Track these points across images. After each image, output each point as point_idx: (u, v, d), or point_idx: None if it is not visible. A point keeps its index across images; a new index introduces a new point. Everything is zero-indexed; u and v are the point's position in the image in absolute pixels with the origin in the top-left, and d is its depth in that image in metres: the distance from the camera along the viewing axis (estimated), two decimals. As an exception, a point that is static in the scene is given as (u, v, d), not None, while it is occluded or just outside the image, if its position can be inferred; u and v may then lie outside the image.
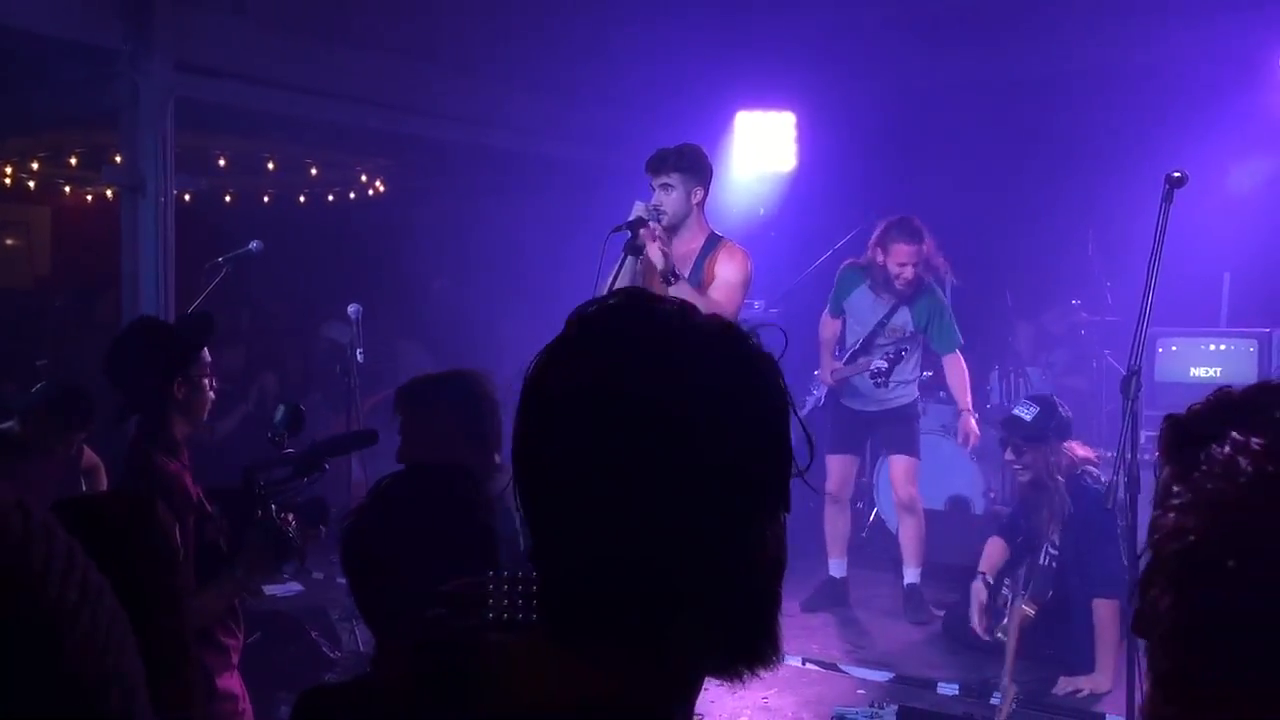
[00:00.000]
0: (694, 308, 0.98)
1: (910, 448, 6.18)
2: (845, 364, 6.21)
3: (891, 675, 5.18)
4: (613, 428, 0.90)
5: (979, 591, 5.16)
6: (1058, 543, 5.09)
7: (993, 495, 6.87)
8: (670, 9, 7.76)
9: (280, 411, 3.24)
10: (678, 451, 0.89)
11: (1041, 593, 5.07)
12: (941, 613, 5.89)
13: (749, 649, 0.96)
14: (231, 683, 3.14)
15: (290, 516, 3.05)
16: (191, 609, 2.96)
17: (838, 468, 6.31)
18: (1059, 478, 5.06)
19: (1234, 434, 0.72)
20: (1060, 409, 5.19)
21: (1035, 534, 5.19)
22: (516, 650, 0.97)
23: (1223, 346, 6.33)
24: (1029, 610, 4.91)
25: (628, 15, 7.67)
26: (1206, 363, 6.31)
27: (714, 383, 0.92)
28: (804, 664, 5.35)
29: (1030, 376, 7.33)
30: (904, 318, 6.10)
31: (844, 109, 8.38)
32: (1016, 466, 5.18)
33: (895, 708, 3.98)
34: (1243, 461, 0.71)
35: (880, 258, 6.00)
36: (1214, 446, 0.73)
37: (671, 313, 0.95)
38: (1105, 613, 4.88)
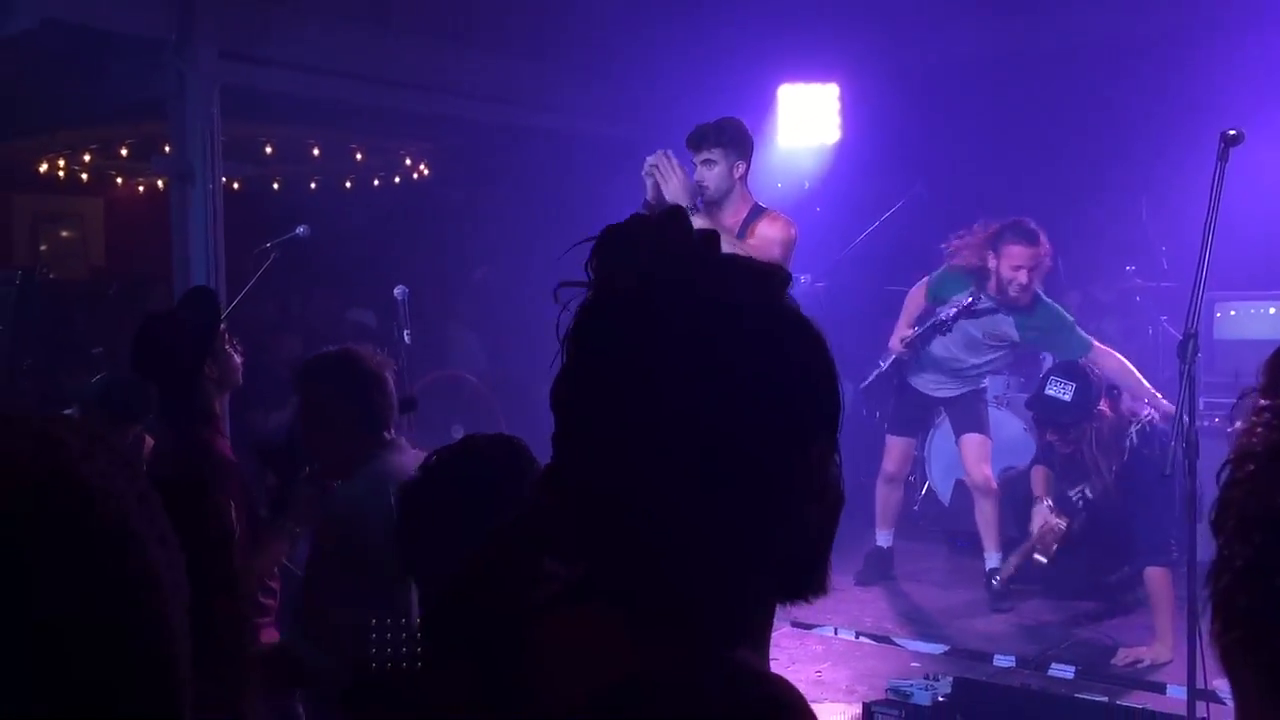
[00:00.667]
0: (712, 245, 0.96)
1: (981, 425, 6.01)
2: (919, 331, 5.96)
3: (946, 648, 5.15)
4: (644, 387, 0.89)
5: (1044, 514, 5.05)
6: (1090, 494, 5.04)
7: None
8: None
9: None
10: (711, 406, 0.88)
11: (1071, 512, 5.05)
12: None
13: (798, 587, 0.96)
14: (272, 639, 3.25)
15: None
16: (251, 567, 3.13)
17: (898, 450, 6.22)
18: (1099, 444, 4.98)
19: None
20: (1092, 376, 5.04)
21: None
22: (565, 630, 0.95)
23: (1283, 310, 6.20)
24: (1059, 522, 4.87)
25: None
26: (1267, 326, 6.18)
27: (745, 331, 0.90)
28: (857, 637, 5.33)
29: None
30: (1007, 325, 5.77)
31: (888, 79, 8.27)
32: (1058, 443, 5.06)
33: (951, 679, 3.95)
34: None
35: (992, 261, 5.66)
36: None
37: (698, 257, 0.93)
38: (1158, 580, 4.81)
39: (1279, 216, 6.67)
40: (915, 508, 7.25)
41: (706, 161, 4.80)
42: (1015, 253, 5.55)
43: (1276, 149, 6.24)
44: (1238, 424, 0.69)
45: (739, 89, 8.17)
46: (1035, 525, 5.16)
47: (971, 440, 5.98)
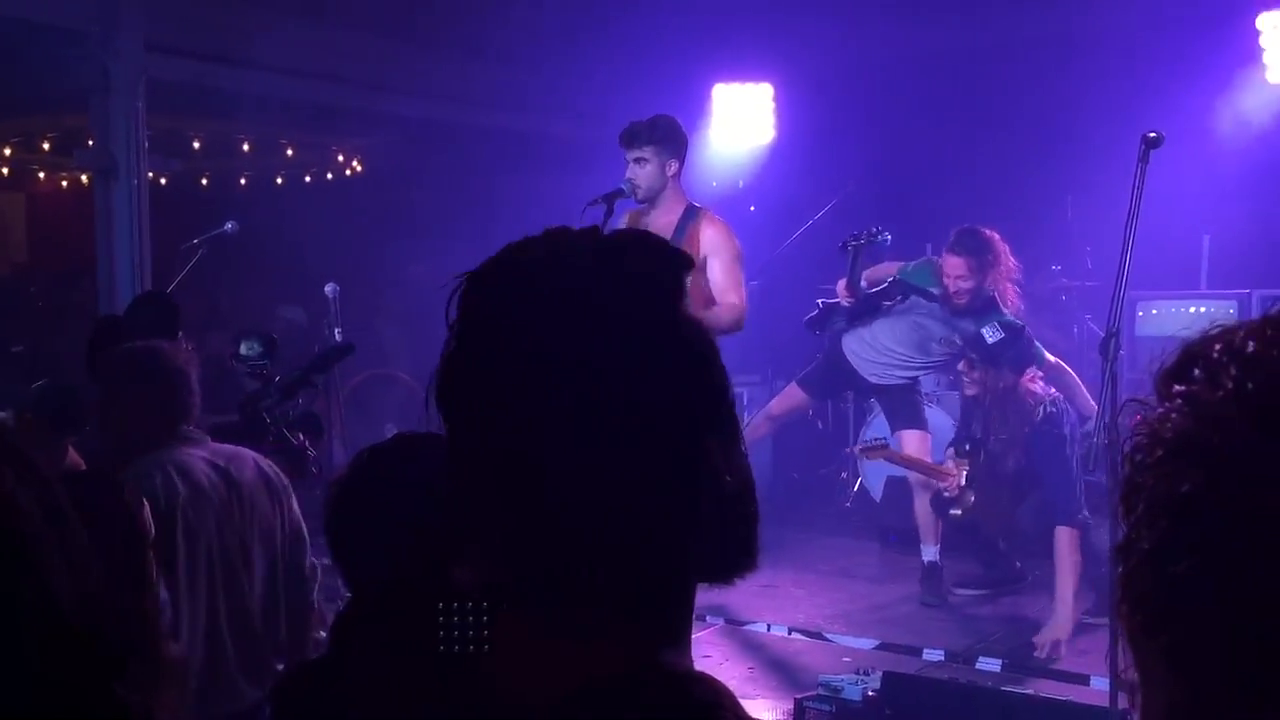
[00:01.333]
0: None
1: (920, 420, 5.99)
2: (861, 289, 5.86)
3: (877, 643, 5.21)
4: (513, 382, 0.87)
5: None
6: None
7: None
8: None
9: (254, 345, 3.55)
10: (587, 397, 0.86)
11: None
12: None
13: (725, 569, 0.95)
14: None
15: (299, 433, 3.40)
16: None
17: (793, 397, 6.20)
18: (1006, 403, 5.26)
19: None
20: (1024, 338, 5.30)
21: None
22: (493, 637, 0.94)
23: (1203, 309, 6.36)
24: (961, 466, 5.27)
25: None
26: (1187, 325, 6.32)
27: (610, 317, 0.89)
28: (790, 633, 5.37)
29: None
30: (967, 325, 5.66)
31: (821, 80, 8.34)
32: (966, 379, 5.39)
33: (880, 674, 4.00)
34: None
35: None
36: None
37: (560, 257, 0.91)
38: (1065, 542, 5.03)
39: (1199, 216, 6.84)
40: (848, 504, 7.32)
41: (639, 160, 4.80)
42: (950, 263, 5.57)
43: (1197, 149, 6.40)
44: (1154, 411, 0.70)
45: (674, 88, 8.17)
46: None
47: (911, 436, 5.96)
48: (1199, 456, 0.64)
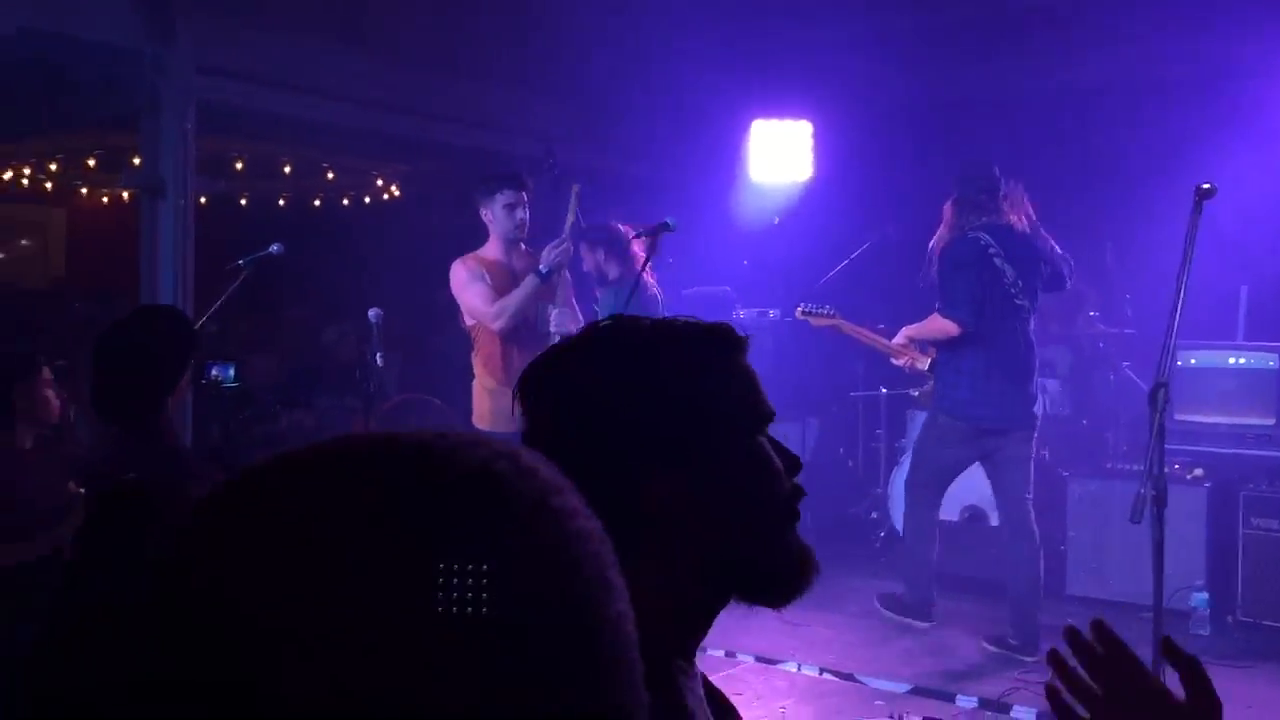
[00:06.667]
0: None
1: None
2: None
3: (909, 687, 5.17)
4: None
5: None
6: None
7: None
8: (687, 21, 7.78)
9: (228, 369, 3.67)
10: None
11: None
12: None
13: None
14: None
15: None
16: None
17: None
18: None
19: None
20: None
21: None
22: None
23: (1242, 360, 6.30)
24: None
25: (645, 25, 7.69)
26: (1227, 376, 6.29)
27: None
28: (821, 673, 5.34)
29: (1048, 389, 7.27)
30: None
31: (861, 118, 8.37)
32: None
33: (919, 719, 3.97)
34: None
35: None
36: None
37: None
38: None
39: (1237, 266, 6.81)
40: (877, 544, 7.29)
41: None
42: None
43: (1235, 199, 6.38)
44: None
45: (715, 123, 8.23)
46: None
47: None
48: None
